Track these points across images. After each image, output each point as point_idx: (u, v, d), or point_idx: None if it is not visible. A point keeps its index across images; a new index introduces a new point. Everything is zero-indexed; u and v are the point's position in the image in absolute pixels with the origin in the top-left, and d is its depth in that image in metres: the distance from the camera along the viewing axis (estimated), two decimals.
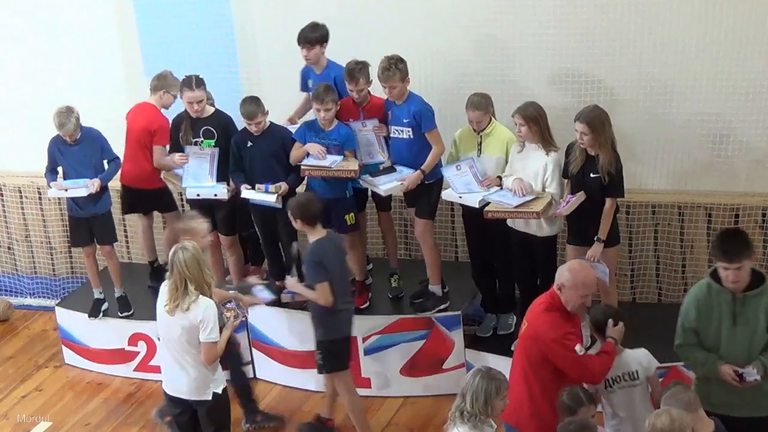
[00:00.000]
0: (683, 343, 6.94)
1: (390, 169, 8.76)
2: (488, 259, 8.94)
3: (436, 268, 9.01)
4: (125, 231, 10.61)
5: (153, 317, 7.55)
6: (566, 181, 8.30)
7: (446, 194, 8.68)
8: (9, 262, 11.21)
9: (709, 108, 8.80)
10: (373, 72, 8.62)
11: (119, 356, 9.76)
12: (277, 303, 8.94)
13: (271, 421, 8.84)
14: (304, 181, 8.96)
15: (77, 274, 10.89)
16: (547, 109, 8.32)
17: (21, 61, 10.47)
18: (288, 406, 9.19)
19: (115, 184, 9.50)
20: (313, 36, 8.86)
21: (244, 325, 9.06)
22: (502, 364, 8.61)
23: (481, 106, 8.44)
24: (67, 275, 10.98)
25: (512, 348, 7.82)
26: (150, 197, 9.55)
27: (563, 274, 6.97)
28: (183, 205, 9.74)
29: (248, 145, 8.86)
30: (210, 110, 9.06)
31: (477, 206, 8.41)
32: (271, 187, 8.73)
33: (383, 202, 9.17)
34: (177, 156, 9.05)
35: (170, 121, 9.25)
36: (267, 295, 8.54)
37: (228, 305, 7.76)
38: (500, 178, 8.49)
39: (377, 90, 8.80)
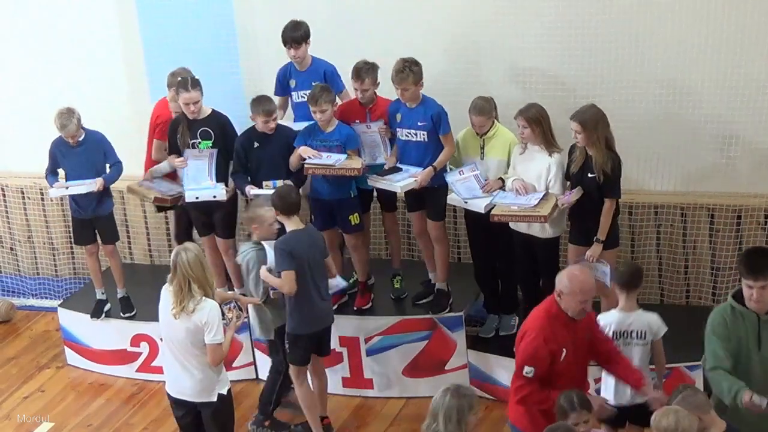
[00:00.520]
0: (716, 366, 6.56)
1: (395, 169, 8.68)
2: (491, 261, 8.94)
3: (446, 267, 9.01)
4: (127, 232, 10.61)
5: (156, 318, 7.55)
6: (567, 182, 8.28)
7: (451, 198, 8.64)
8: (11, 263, 11.20)
9: (713, 109, 8.80)
10: (384, 74, 8.59)
11: (122, 357, 9.76)
12: None
13: (279, 430, 8.78)
14: (308, 181, 8.91)
15: (80, 274, 10.87)
16: (548, 110, 8.30)
17: (23, 61, 10.46)
18: None
19: (117, 185, 9.47)
20: (299, 34, 8.88)
21: (246, 325, 9.05)
22: (504, 364, 8.66)
23: (485, 110, 8.41)
24: (70, 276, 10.97)
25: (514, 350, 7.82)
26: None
27: (562, 280, 6.92)
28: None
29: (255, 146, 8.79)
30: (207, 111, 9.00)
31: (483, 211, 8.38)
32: (279, 183, 8.60)
33: (388, 203, 9.15)
34: (177, 160, 9.02)
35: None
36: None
37: (229, 305, 7.78)
38: (502, 179, 8.48)
39: (382, 91, 8.79)
